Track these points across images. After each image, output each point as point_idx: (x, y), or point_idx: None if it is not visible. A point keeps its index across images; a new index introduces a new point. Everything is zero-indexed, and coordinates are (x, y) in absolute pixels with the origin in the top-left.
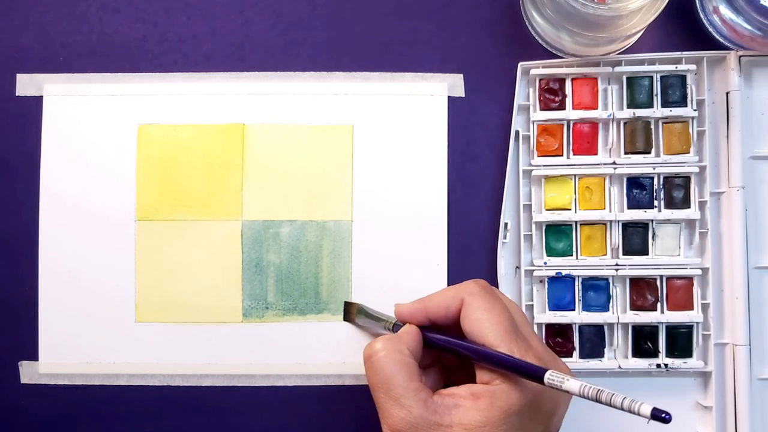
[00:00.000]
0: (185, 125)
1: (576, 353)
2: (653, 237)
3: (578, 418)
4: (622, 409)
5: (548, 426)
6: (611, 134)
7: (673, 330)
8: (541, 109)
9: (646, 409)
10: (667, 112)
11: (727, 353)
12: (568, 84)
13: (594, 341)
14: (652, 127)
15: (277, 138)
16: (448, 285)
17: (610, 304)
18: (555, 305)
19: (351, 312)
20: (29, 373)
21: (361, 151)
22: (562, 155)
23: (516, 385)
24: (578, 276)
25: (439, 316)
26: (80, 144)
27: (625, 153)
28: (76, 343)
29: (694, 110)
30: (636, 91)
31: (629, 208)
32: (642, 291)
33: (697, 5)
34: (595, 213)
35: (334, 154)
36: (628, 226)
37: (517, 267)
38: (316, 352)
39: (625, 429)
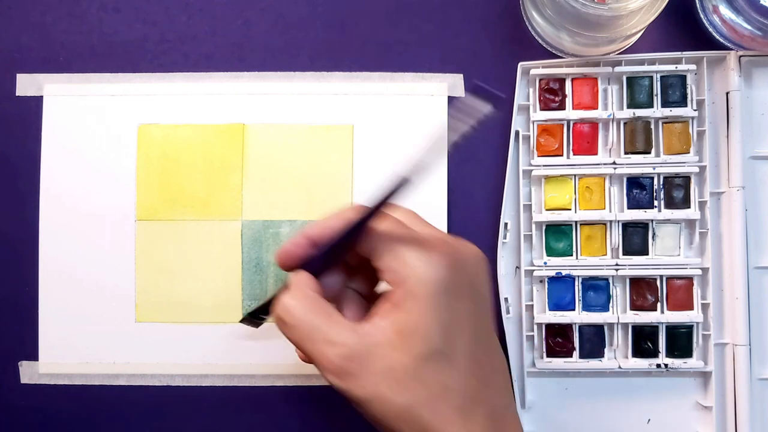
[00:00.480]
0: (185, 125)
1: (576, 353)
2: (653, 237)
3: (578, 418)
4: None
5: (477, 303)
6: (611, 134)
7: (673, 330)
8: (541, 109)
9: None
10: (667, 112)
11: (727, 353)
12: (568, 84)
13: (594, 341)
14: (652, 127)
15: (277, 138)
16: None
17: (610, 304)
18: (555, 305)
19: (249, 322)
20: (29, 373)
21: (361, 151)
22: (562, 155)
23: (420, 266)
24: (578, 276)
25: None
26: (80, 144)
27: (625, 153)
28: (76, 343)
29: (694, 110)
30: (636, 91)
31: (629, 208)
32: (642, 291)
33: (697, 5)
34: (595, 213)
35: (334, 154)
36: (628, 226)
37: (517, 267)
38: None
39: (624, 429)
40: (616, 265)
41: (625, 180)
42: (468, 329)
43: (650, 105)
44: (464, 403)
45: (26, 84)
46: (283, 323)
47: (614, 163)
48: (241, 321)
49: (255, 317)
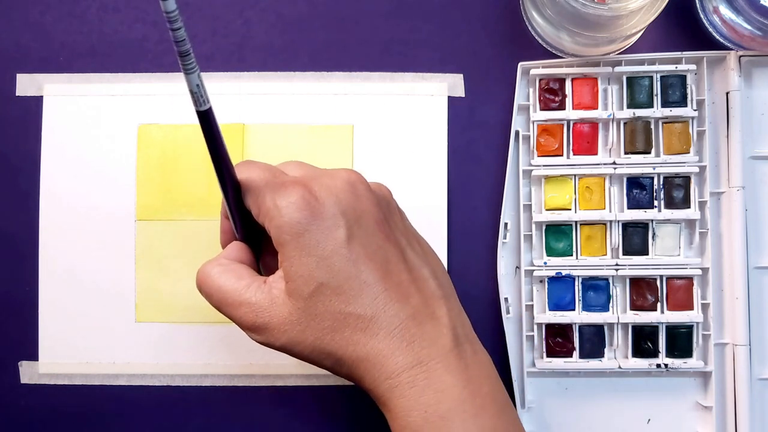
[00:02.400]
0: (185, 125)
1: (576, 353)
2: (653, 237)
3: (578, 418)
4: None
5: (358, 224)
6: (611, 134)
7: (673, 330)
8: (541, 109)
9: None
10: (667, 112)
11: (727, 353)
12: (568, 84)
13: (594, 341)
14: (652, 127)
15: (277, 138)
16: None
17: (610, 304)
18: (555, 305)
19: None
20: (29, 373)
21: (361, 151)
22: (562, 155)
23: (276, 213)
24: (578, 276)
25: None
26: (80, 144)
27: (625, 153)
28: (76, 343)
29: (694, 110)
30: (636, 91)
31: (629, 208)
32: (642, 291)
33: (697, 5)
34: (595, 213)
35: (334, 154)
36: (628, 226)
37: (517, 267)
38: None
39: (624, 429)
40: (616, 265)
41: (625, 180)
42: (351, 253)
43: (650, 105)
44: (363, 323)
45: (26, 84)
46: (202, 291)
47: (614, 163)
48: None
49: None
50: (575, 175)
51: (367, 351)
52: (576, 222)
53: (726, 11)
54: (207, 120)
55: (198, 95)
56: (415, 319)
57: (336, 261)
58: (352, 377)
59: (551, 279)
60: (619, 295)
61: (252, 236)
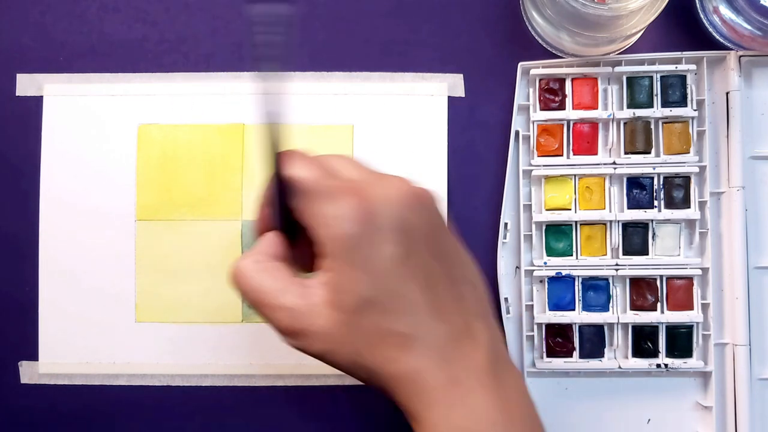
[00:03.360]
0: (185, 125)
1: (576, 353)
2: (653, 237)
3: (578, 418)
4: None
5: (410, 239)
6: (611, 134)
7: (673, 330)
8: (541, 109)
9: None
10: (667, 112)
11: (727, 353)
12: (568, 84)
13: (594, 341)
14: (652, 127)
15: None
16: None
17: (610, 304)
18: (555, 305)
19: None
20: (29, 373)
21: (361, 151)
22: (562, 155)
23: (329, 223)
24: (578, 276)
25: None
26: (80, 144)
27: (625, 153)
28: (76, 343)
29: (694, 110)
30: (636, 91)
31: (629, 208)
32: (642, 291)
33: (697, 5)
34: (595, 213)
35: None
36: (628, 226)
37: (517, 267)
38: None
39: (624, 429)
40: (616, 265)
41: (625, 180)
42: (401, 270)
43: (650, 105)
44: (404, 341)
45: (26, 84)
46: (237, 288)
47: (614, 163)
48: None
49: None
50: (575, 175)
51: (405, 368)
52: (576, 222)
53: (726, 11)
54: (273, 120)
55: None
56: (454, 338)
57: (385, 278)
58: (385, 391)
59: (551, 279)
60: (619, 295)
61: (290, 227)
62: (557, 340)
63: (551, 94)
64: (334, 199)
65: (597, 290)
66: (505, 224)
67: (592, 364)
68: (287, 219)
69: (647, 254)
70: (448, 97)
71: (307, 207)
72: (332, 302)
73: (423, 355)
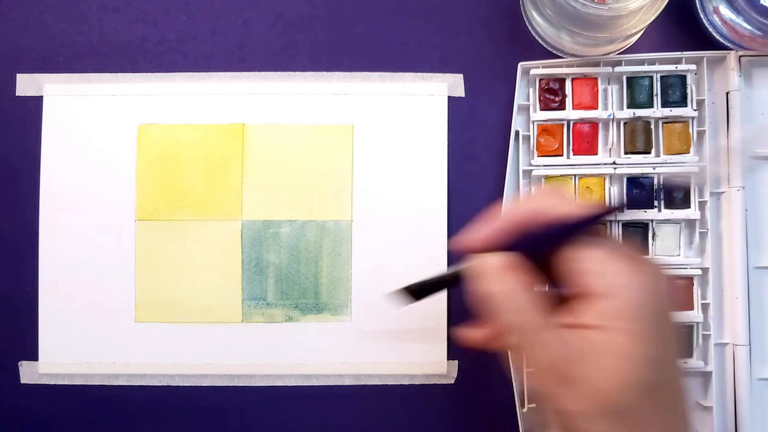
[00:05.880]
0: (185, 125)
1: None
2: (653, 237)
3: None
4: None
5: (672, 332)
6: (611, 134)
7: None
8: (541, 109)
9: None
10: (667, 112)
11: (727, 353)
12: (568, 84)
13: None
14: (652, 127)
15: (277, 138)
16: None
17: None
18: None
19: (406, 296)
20: (29, 373)
21: (361, 151)
22: (562, 155)
23: (633, 282)
24: None
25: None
26: (80, 144)
27: (625, 153)
28: (76, 343)
29: (694, 110)
30: (636, 91)
31: (629, 208)
32: None
33: (697, 5)
34: None
35: (334, 154)
36: (628, 226)
37: None
38: (316, 352)
39: None
40: None
41: (625, 180)
42: (666, 359)
43: (650, 105)
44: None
45: (26, 84)
46: (499, 306)
47: (614, 163)
48: (399, 291)
49: (416, 293)
50: (575, 175)
51: None
52: None
53: (726, 11)
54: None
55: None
56: None
57: (664, 363)
58: None
59: None
60: None
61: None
62: None
63: (551, 94)
64: (638, 265)
65: None
66: None
67: None
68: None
69: (647, 254)
70: (448, 97)
71: (597, 263)
72: (612, 367)
73: None
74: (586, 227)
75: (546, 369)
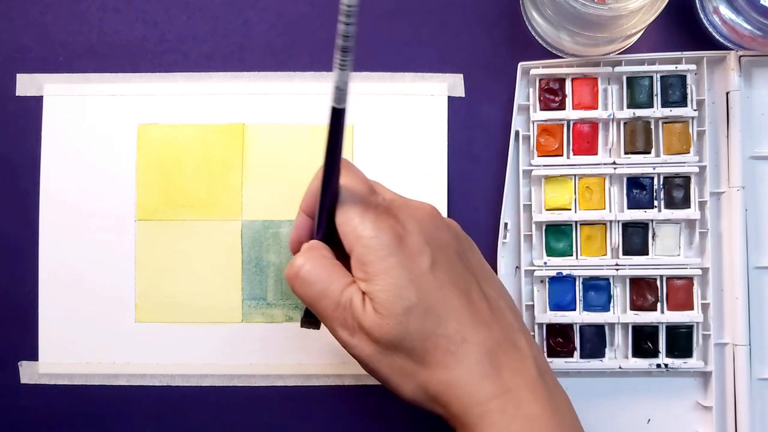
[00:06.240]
0: (185, 125)
1: (577, 353)
2: (653, 237)
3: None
4: None
5: (441, 253)
6: (611, 134)
7: (673, 330)
8: (541, 109)
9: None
10: (667, 112)
11: (727, 353)
12: (568, 84)
13: (594, 341)
14: (652, 127)
15: (277, 138)
16: None
17: (611, 304)
18: (555, 305)
19: (309, 325)
20: (29, 373)
21: (361, 151)
22: (562, 155)
23: (364, 234)
24: (578, 276)
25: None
26: (80, 144)
27: (625, 153)
28: (76, 343)
29: (694, 110)
30: (636, 91)
31: (629, 208)
32: (642, 291)
33: (697, 5)
34: (595, 213)
35: None
36: (628, 226)
37: (517, 267)
38: (316, 352)
39: (624, 429)
40: (616, 265)
41: (625, 180)
42: (436, 278)
43: (650, 105)
44: (453, 346)
45: (26, 84)
46: (297, 281)
47: (614, 163)
48: (302, 326)
49: (312, 319)
50: (575, 175)
51: (457, 375)
52: (576, 222)
53: (726, 11)
54: (338, 119)
55: (343, 92)
56: (501, 346)
57: (423, 284)
58: (436, 401)
59: (552, 279)
60: (619, 295)
61: (328, 239)
62: (558, 340)
63: (551, 94)
64: (372, 213)
65: (598, 290)
66: (505, 224)
67: (593, 364)
68: (330, 229)
69: (647, 254)
70: (448, 97)
71: (347, 218)
72: (378, 309)
73: (474, 363)
74: (326, 192)
75: (340, 326)
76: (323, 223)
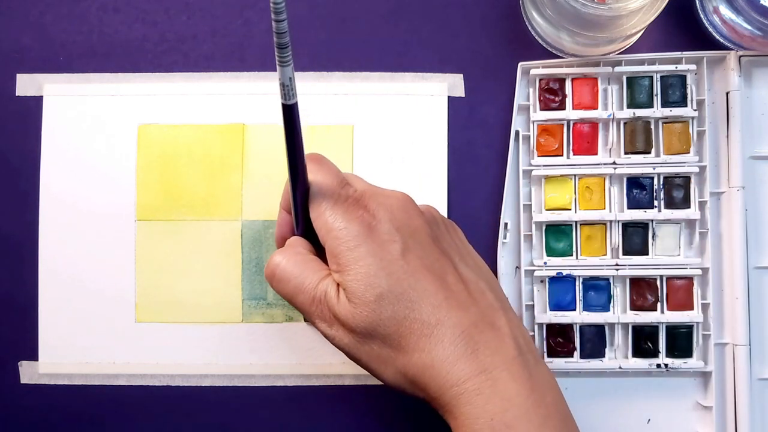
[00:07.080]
0: (185, 125)
1: (577, 353)
2: (653, 237)
3: (578, 418)
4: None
5: (413, 238)
6: (611, 134)
7: (673, 330)
8: (541, 109)
9: None
10: (667, 112)
11: (727, 353)
12: (568, 84)
13: (595, 341)
14: (652, 127)
15: (277, 138)
16: None
17: (611, 304)
18: (555, 305)
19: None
20: (29, 373)
21: (361, 151)
22: (562, 155)
23: (335, 226)
24: (578, 276)
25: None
26: (80, 144)
27: (625, 153)
28: (76, 343)
29: (694, 110)
30: (636, 91)
31: (629, 208)
32: (642, 291)
33: (697, 5)
34: (595, 213)
35: (334, 154)
36: (628, 226)
37: (517, 267)
38: (316, 352)
39: (624, 429)
40: (616, 265)
41: (625, 180)
42: (407, 264)
43: (650, 105)
44: (428, 329)
45: (26, 84)
46: (274, 279)
47: (614, 163)
48: (307, 322)
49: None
50: (575, 175)
51: (432, 358)
52: (576, 222)
53: (726, 11)
54: (291, 114)
55: (289, 88)
56: (477, 327)
57: (394, 270)
58: (415, 385)
59: (552, 279)
60: (619, 295)
61: (308, 234)
62: (558, 340)
63: (551, 94)
64: (342, 205)
65: (598, 290)
66: (505, 224)
67: (593, 364)
68: (308, 224)
69: (647, 254)
70: (448, 97)
71: (318, 211)
72: (351, 298)
73: (449, 344)
74: (297, 188)
75: (318, 319)
76: (300, 219)
